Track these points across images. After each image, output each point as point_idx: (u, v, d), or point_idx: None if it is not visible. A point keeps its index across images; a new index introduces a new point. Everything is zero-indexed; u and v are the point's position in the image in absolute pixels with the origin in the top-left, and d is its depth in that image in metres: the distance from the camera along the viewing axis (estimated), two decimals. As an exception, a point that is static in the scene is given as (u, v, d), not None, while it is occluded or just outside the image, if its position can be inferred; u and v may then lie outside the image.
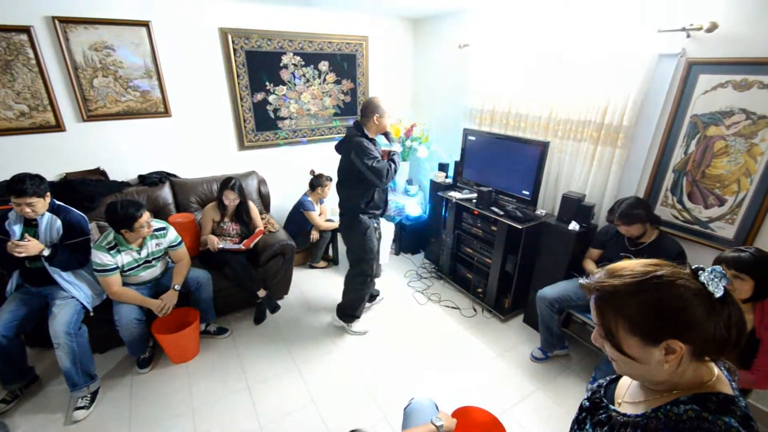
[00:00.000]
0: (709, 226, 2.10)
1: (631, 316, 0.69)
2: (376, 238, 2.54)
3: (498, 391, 2.26)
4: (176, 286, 2.35)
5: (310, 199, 3.40)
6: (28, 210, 1.95)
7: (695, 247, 2.15)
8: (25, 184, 1.91)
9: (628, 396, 0.83)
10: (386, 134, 2.49)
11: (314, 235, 3.41)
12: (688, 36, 1.98)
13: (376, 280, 2.88)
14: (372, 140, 2.35)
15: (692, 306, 0.66)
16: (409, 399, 1.46)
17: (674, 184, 2.21)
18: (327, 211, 3.62)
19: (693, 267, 0.70)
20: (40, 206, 1.99)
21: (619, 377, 0.92)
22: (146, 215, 2.15)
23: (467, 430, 1.60)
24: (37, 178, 1.98)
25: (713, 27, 1.87)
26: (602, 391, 0.91)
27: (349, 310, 2.68)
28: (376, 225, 2.54)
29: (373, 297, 3.02)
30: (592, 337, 0.78)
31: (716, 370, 0.73)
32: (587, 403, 0.92)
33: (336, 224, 3.42)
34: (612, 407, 0.83)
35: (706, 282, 0.67)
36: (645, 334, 0.68)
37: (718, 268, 0.68)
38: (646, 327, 0.68)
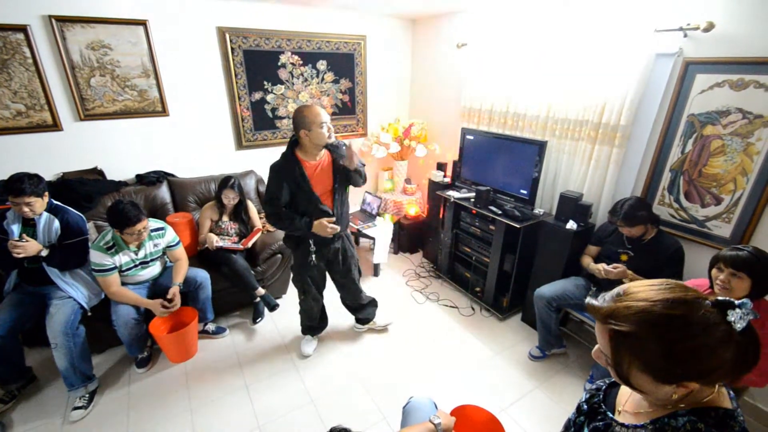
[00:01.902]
0: (706, 224, 2.11)
1: (649, 361, 0.65)
2: (308, 263, 2.23)
3: (496, 389, 2.27)
4: (178, 284, 2.35)
5: None
6: (26, 210, 1.94)
7: (692, 246, 2.16)
8: (23, 184, 1.90)
9: (629, 405, 0.82)
10: (332, 147, 2.08)
11: None
12: (685, 35, 1.99)
13: (377, 298, 2.75)
14: (296, 162, 2.00)
15: (718, 353, 0.62)
16: (408, 398, 1.47)
17: (671, 183, 2.21)
18: None
19: (719, 300, 0.64)
20: (38, 206, 1.99)
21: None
22: (141, 224, 2.10)
23: (466, 429, 1.61)
24: (36, 178, 1.98)
25: (710, 27, 1.88)
26: (601, 396, 0.90)
27: None
28: (312, 249, 2.20)
29: (360, 321, 2.74)
30: (593, 354, 0.75)
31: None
32: (585, 407, 0.91)
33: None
34: (611, 416, 0.82)
35: (734, 321, 0.62)
36: (659, 376, 0.65)
37: (748, 303, 0.63)
38: (663, 371, 0.64)
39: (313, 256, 2.23)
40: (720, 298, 0.65)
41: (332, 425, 0.99)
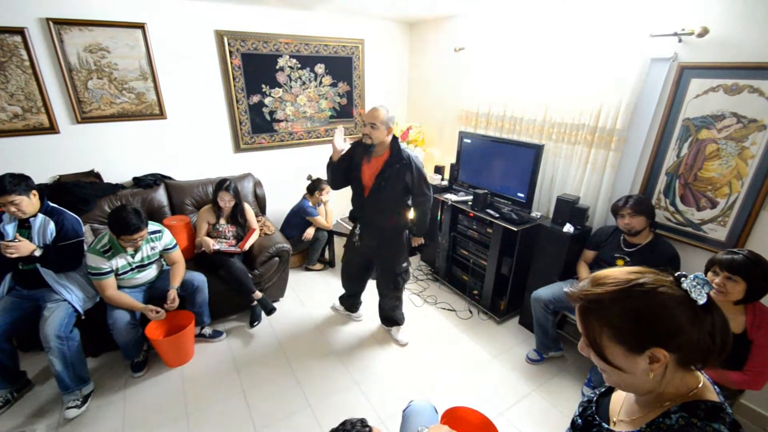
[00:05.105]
0: (702, 228, 2.12)
1: (615, 325, 0.69)
2: (353, 243, 2.53)
3: (494, 392, 2.26)
4: (176, 287, 2.35)
5: (311, 204, 3.40)
6: (13, 209, 1.93)
7: (688, 249, 2.18)
8: (4, 182, 1.89)
9: (623, 414, 0.83)
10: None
11: (308, 234, 3.40)
12: (680, 41, 2.01)
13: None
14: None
15: (675, 314, 0.66)
16: (408, 401, 1.47)
17: (667, 187, 2.23)
18: (331, 213, 3.59)
19: (676, 274, 0.71)
20: (25, 205, 1.96)
21: (611, 390, 0.91)
22: (139, 234, 2.10)
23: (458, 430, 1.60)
24: (18, 177, 1.96)
25: (704, 32, 1.90)
26: (593, 407, 0.90)
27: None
28: (357, 231, 2.49)
29: (383, 319, 2.80)
30: (579, 347, 0.79)
31: (702, 377, 0.74)
32: (579, 421, 0.90)
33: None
34: (606, 426, 0.83)
35: (688, 289, 0.67)
36: (628, 343, 0.69)
37: (701, 275, 0.68)
38: (630, 335, 0.69)
39: (357, 237, 2.47)
40: (676, 273, 0.71)
41: (332, 427, 0.99)
